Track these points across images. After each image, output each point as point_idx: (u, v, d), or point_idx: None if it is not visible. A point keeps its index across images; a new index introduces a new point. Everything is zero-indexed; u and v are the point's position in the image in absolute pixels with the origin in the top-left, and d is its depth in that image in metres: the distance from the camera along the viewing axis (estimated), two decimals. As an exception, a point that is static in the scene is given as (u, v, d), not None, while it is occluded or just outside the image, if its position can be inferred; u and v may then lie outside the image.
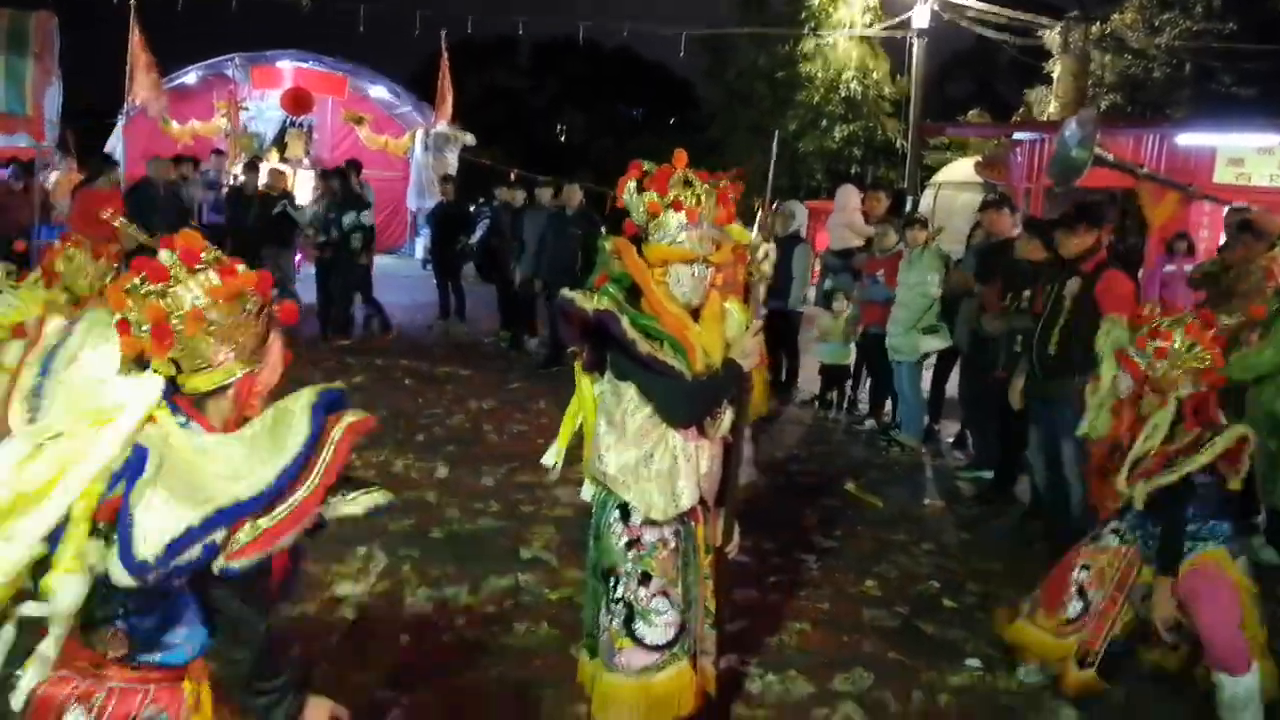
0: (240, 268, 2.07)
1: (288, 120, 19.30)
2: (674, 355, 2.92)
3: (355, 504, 2.04)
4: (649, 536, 2.99)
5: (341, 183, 11.14)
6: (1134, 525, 3.78)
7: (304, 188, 16.03)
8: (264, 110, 19.33)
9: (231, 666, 2.04)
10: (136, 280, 1.96)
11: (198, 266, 1.99)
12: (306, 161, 18.64)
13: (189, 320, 1.95)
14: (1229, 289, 6.12)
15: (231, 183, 12.23)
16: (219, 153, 15.62)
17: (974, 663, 4.18)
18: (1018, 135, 13.89)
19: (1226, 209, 6.49)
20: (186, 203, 11.62)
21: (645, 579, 2.96)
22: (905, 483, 7.05)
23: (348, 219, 10.80)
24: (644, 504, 2.96)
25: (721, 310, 3.10)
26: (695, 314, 3.01)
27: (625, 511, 3.01)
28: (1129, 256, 11.29)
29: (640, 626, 2.94)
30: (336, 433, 1.97)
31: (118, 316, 1.96)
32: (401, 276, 12.21)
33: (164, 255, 2.00)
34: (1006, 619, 4.06)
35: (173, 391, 1.99)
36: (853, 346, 8.80)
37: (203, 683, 2.10)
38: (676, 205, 2.96)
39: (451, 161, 19.38)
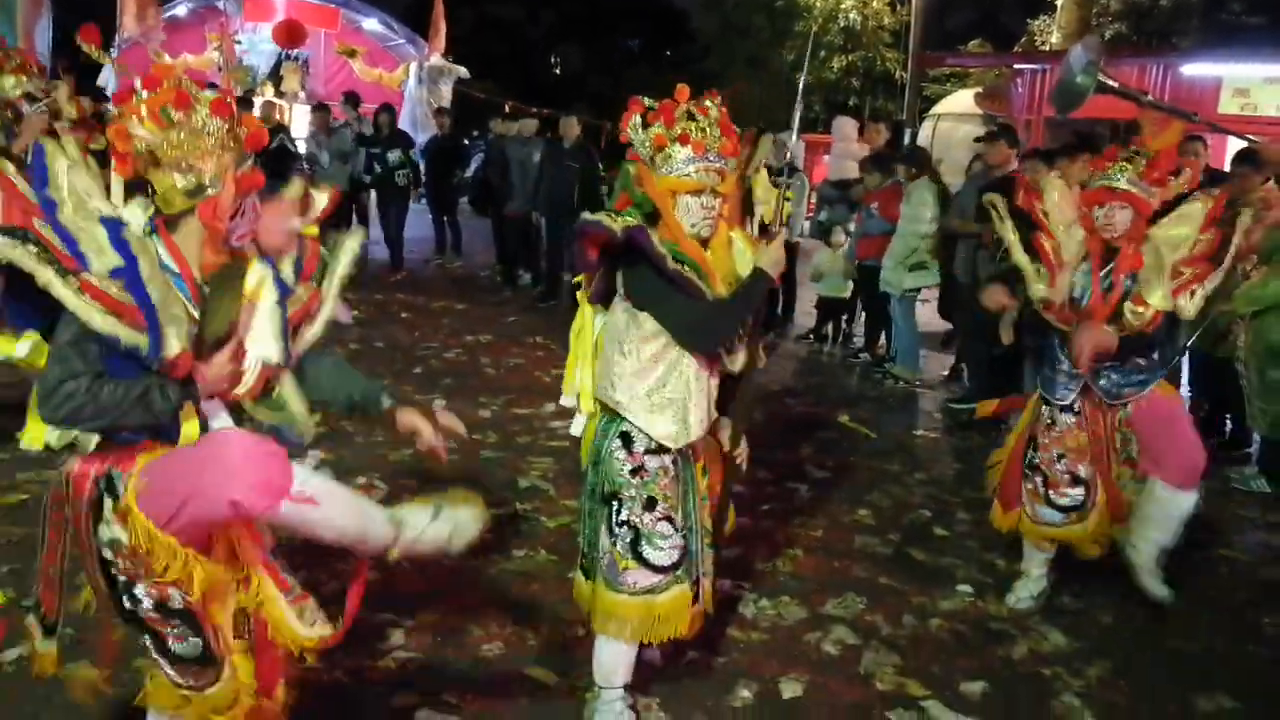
0: (210, 94, 2.31)
1: (282, 54, 19.05)
2: (698, 277, 2.97)
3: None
4: (652, 464, 3.03)
5: (388, 119, 11.34)
6: (1114, 375, 3.84)
7: (299, 121, 15.86)
8: (257, 43, 19.06)
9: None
10: (112, 110, 2.27)
11: (158, 91, 2.23)
12: (302, 95, 18.43)
13: (148, 123, 2.20)
14: (1226, 221, 6.09)
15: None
16: (213, 86, 15.41)
17: (965, 588, 4.25)
18: (1019, 66, 13.75)
19: (1232, 163, 6.44)
20: None
21: (650, 504, 3.01)
22: (899, 414, 7.10)
23: (393, 155, 10.98)
24: (656, 432, 3.01)
25: (729, 240, 3.13)
26: (704, 245, 3.05)
27: (628, 438, 3.05)
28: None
29: (646, 549, 3.00)
30: None
31: (114, 149, 2.25)
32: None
33: (136, 81, 2.26)
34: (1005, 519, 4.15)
35: (152, 217, 2.30)
36: (850, 280, 8.79)
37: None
38: (683, 138, 2.98)
39: (446, 94, 19.19)
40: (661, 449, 3.04)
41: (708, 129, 2.99)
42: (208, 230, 2.29)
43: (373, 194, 12.46)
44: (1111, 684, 3.62)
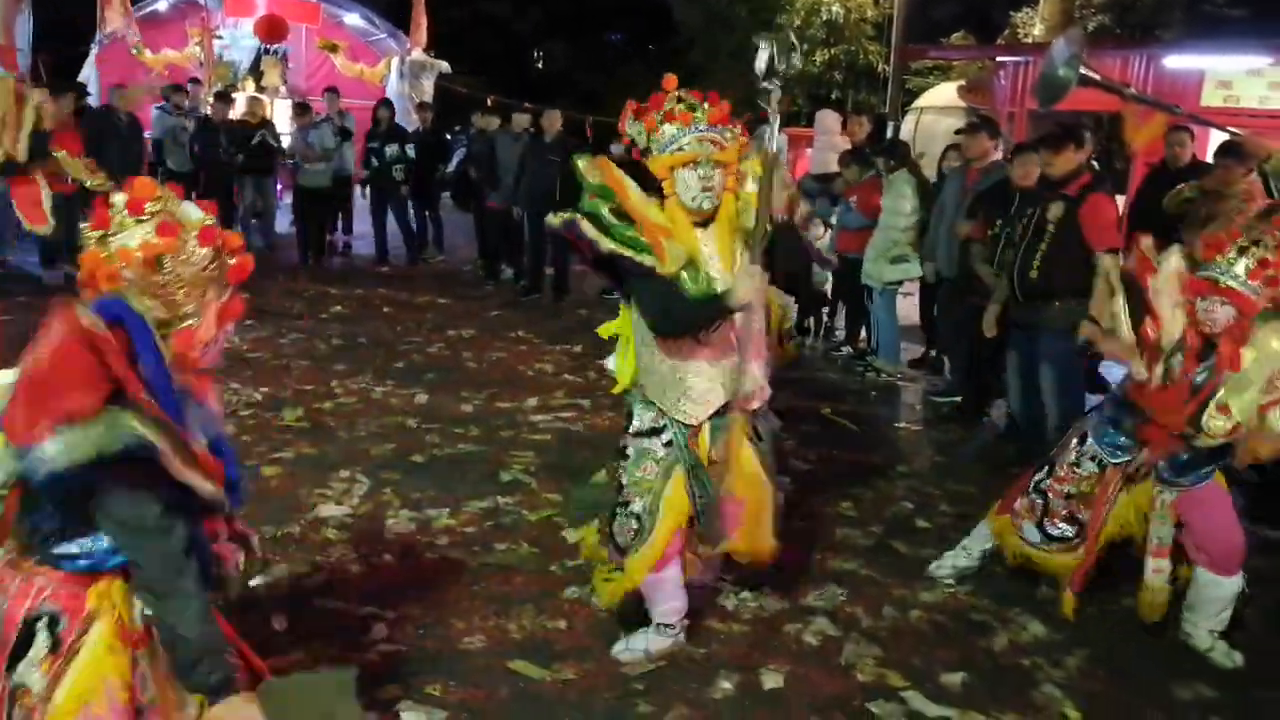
0: (197, 216, 2.13)
1: (262, 48, 18.95)
2: (640, 253, 3.12)
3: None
4: (633, 448, 3.39)
5: (387, 114, 11.40)
6: (1175, 473, 3.71)
7: (281, 116, 15.79)
8: (238, 38, 18.94)
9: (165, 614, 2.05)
10: (85, 227, 2.08)
11: (143, 217, 2.06)
12: (283, 90, 18.34)
13: (134, 266, 2.03)
14: (1207, 215, 6.11)
15: (205, 112, 12.03)
16: (195, 82, 15.35)
17: (946, 580, 4.26)
18: (1002, 59, 13.77)
19: (1214, 155, 6.46)
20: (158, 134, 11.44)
21: (619, 487, 3.42)
22: (881, 407, 7.13)
23: (390, 150, 11.02)
24: (680, 414, 3.31)
25: (735, 210, 3.23)
26: (709, 220, 3.21)
27: (629, 418, 3.44)
28: (1115, 182, 11.27)
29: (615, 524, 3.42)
30: None
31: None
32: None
33: (117, 199, 2.08)
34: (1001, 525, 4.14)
35: None
36: (829, 274, 8.80)
37: (114, 603, 2.09)
38: (669, 116, 3.13)
39: (427, 89, 19.13)
40: (653, 431, 3.35)
41: (694, 105, 3.12)
42: (178, 358, 2.10)
43: (359, 189, 12.50)
44: (1091, 673, 3.65)
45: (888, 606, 4.01)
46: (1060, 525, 3.94)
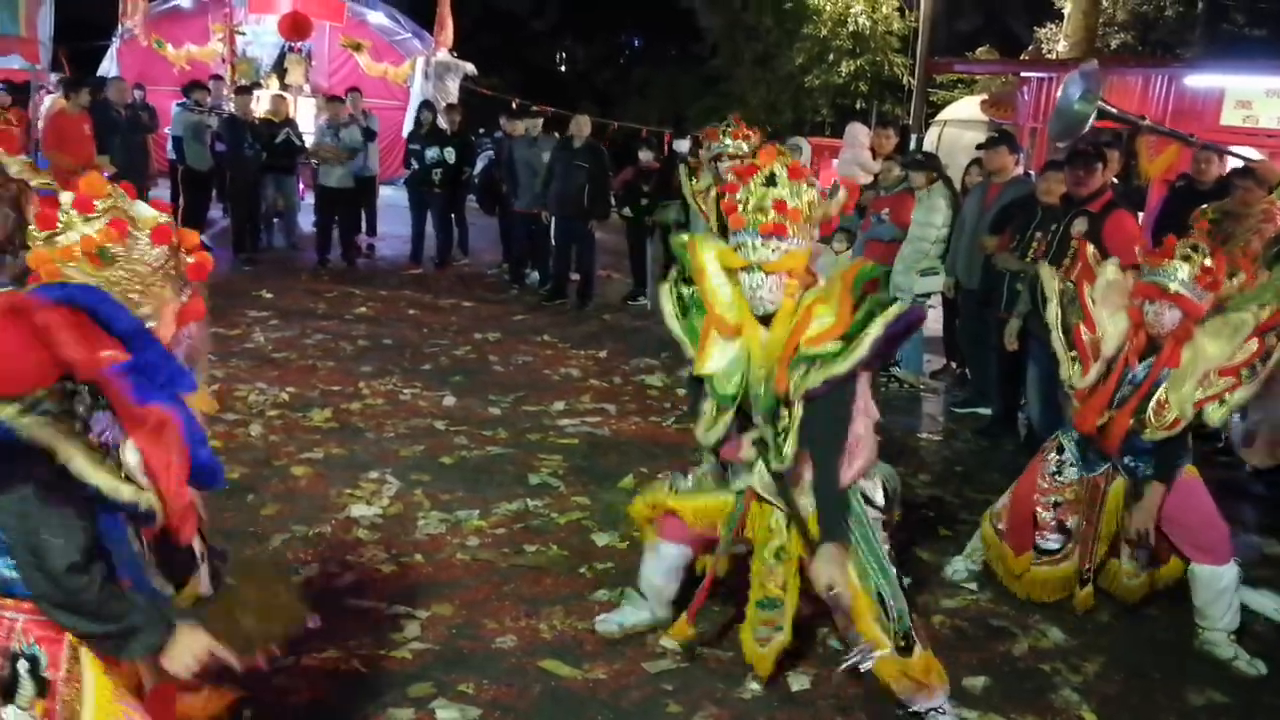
0: (149, 214, 2.06)
1: (286, 46, 19.05)
2: (694, 347, 3.23)
3: None
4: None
5: (430, 117, 11.47)
6: (1136, 457, 3.89)
7: (305, 115, 15.90)
8: (261, 35, 19.05)
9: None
10: (32, 229, 1.99)
11: (92, 215, 1.98)
12: (307, 88, 18.45)
13: (80, 261, 1.96)
14: (1226, 234, 6.17)
15: (230, 109, 12.10)
16: (217, 78, 15.47)
17: (967, 586, 4.34)
18: (1025, 73, 13.81)
19: (1229, 170, 6.52)
20: (149, 126, 11.45)
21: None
22: (903, 417, 7.18)
23: (431, 153, 11.07)
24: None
25: (794, 312, 3.10)
26: (770, 319, 3.14)
27: None
28: (1133, 199, 11.30)
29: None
30: None
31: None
32: (401, 207, 12.21)
33: (64, 197, 2.00)
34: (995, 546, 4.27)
35: None
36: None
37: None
38: (730, 208, 3.08)
39: (453, 91, 19.20)
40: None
41: (763, 204, 3.03)
42: None
43: (381, 190, 12.56)
44: (1108, 678, 3.73)
45: (911, 612, 4.07)
46: (1050, 537, 4.07)
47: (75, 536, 1.87)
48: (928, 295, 7.87)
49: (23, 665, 1.97)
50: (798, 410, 3.08)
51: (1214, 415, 3.67)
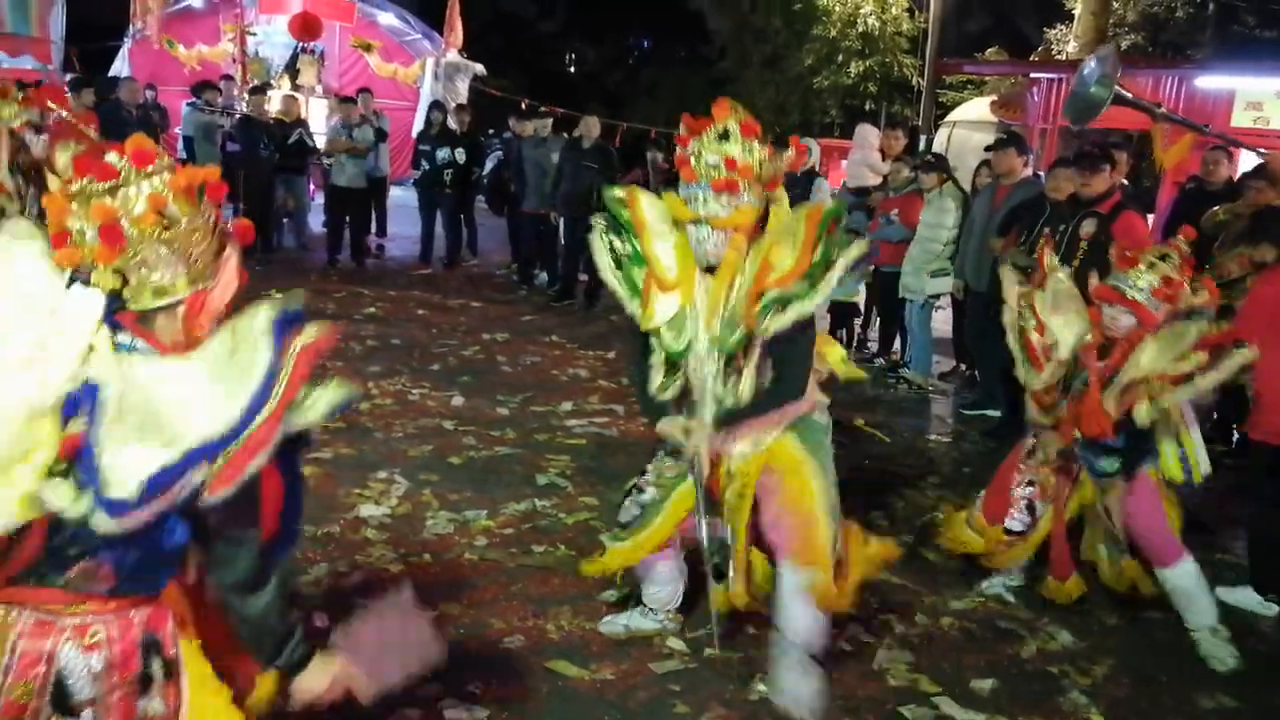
0: (199, 172, 1.94)
1: (298, 46, 19.10)
2: (634, 300, 3.24)
3: (316, 408, 1.86)
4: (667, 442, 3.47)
5: (440, 117, 11.49)
6: (1094, 454, 3.92)
7: (316, 115, 15.94)
8: (271, 35, 19.10)
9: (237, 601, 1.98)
10: (83, 182, 1.81)
11: (150, 169, 1.85)
12: (319, 89, 18.50)
13: (144, 219, 1.81)
14: (1237, 235, 6.15)
15: (244, 108, 12.12)
16: (228, 78, 15.52)
17: (977, 588, 4.33)
18: (1035, 74, 13.77)
19: (1240, 174, 6.50)
20: (159, 127, 11.48)
21: (643, 470, 3.59)
22: (912, 418, 7.18)
23: (442, 153, 11.05)
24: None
25: (739, 264, 3.13)
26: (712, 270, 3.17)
27: None
28: (1143, 200, 11.28)
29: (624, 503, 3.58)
30: (296, 347, 1.84)
31: (54, 229, 1.81)
32: (410, 208, 12.24)
33: (111, 157, 1.85)
34: (952, 523, 4.33)
35: (115, 309, 1.84)
36: (862, 285, 8.86)
37: (180, 601, 2.04)
38: (683, 161, 3.08)
39: (462, 91, 19.22)
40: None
41: (716, 160, 3.03)
42: (187, 330, 1.91)
43: (394, 191, 12.59)
44: (1117, 681, 3.73)
45: (919, 614, 4.08)
46: (1016, 517, 4.13)
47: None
48: (937, 296, 7.88)
49: (154, 660, 1.97)
50: (756, 349, 3.16)
51: (1140, 415, 3.69)
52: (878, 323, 9.05)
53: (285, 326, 1.85)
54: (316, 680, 2.09)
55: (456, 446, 5.65)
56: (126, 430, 1.74)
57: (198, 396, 1.79)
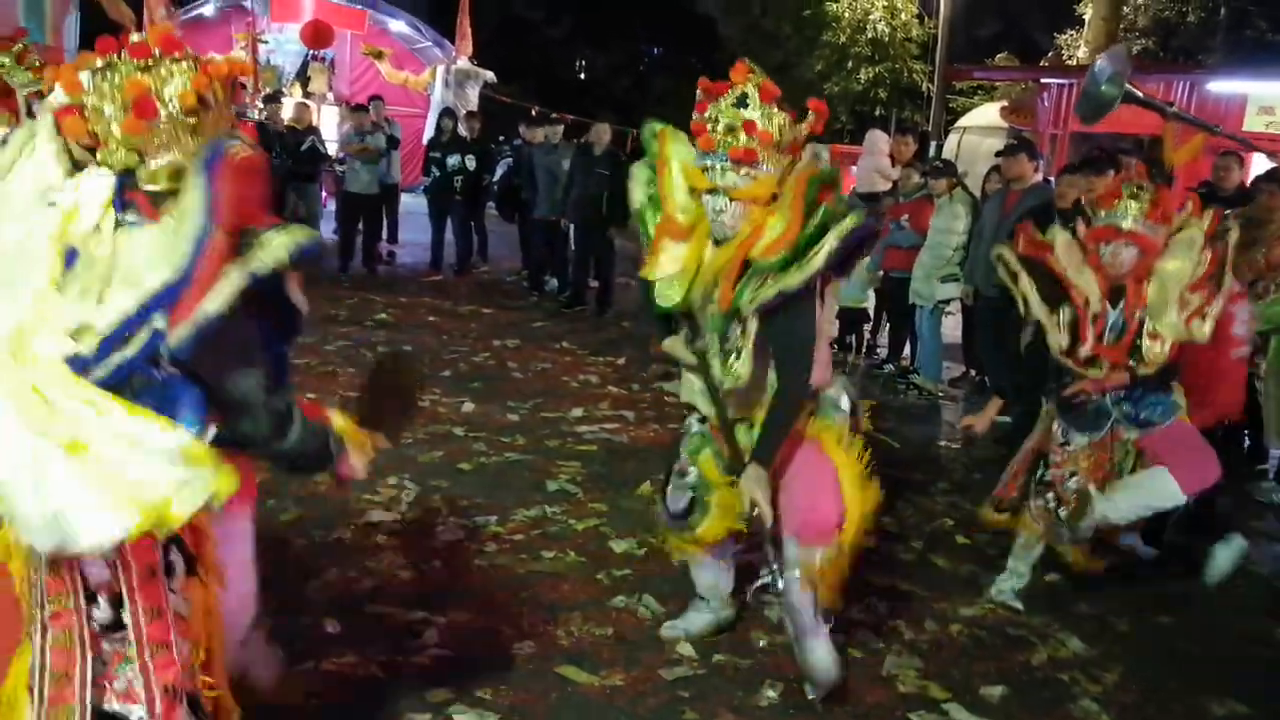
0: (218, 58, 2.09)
1: (309, 54, 19.19)
2: (646, 245, 3.16)
3: (273, 247, 1.87)
4: (689, 418, 3.46)
5: (451, 124, 11.54)
6: (1131, 400, 3.90)
7: (328, 123, 16.01)
8: (283, 43, 19.20)
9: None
10: (111, 58, 1.90)
11: (177, 55, 1.93)
12: (330, 96, 18.58)
13: (185, 98, 1.89)
14: (1247, 239, 6.13)
15: (256, 116, 12.18)
16: (240, 86, 15.57)
17: (987, 594, 4.32)
18: (1045, 80, 13.76)
19: (1257, 180, 6.48)
20: None
21: (677, 453, 3.50)
22: (922, 425, 7.17)
23: (452, 161, 11.08)
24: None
25: (744, 238, 2.97)
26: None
27: None
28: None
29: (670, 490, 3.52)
30: (222, 171, 1.86)
31: (66, 102, 1.90)
32: (421, 215, 12.28)
33: (136, 38, 1.95)
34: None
35: (125, 186, 1.92)
36: (871, 291, 8.86)
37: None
38: (698, 128, 2.94)
39: (473, 98, 19.29)
40: (689, 406, 3.39)
41: (734, 125, 2.89)
42: None
43: (405, 198, 12.63)
44: (1128, 688, 3.70)
45: (929, 620, 4.07)
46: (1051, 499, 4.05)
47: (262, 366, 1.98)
48: (947, 302, 7.88)
49: (174, 553, 2.04)
50: (752, 326, 3.01)
51: (1200, 331, 3.67)
52: (887, 328, 9.05)
53: (211, 163, 1.86)
54: (357, 458, 2.29)
55: (467, 452, 5.66)
56: (89, 290, 1.85)
57: (156, 248, 1.85)
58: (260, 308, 1.90)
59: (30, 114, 4.65)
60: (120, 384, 1.84)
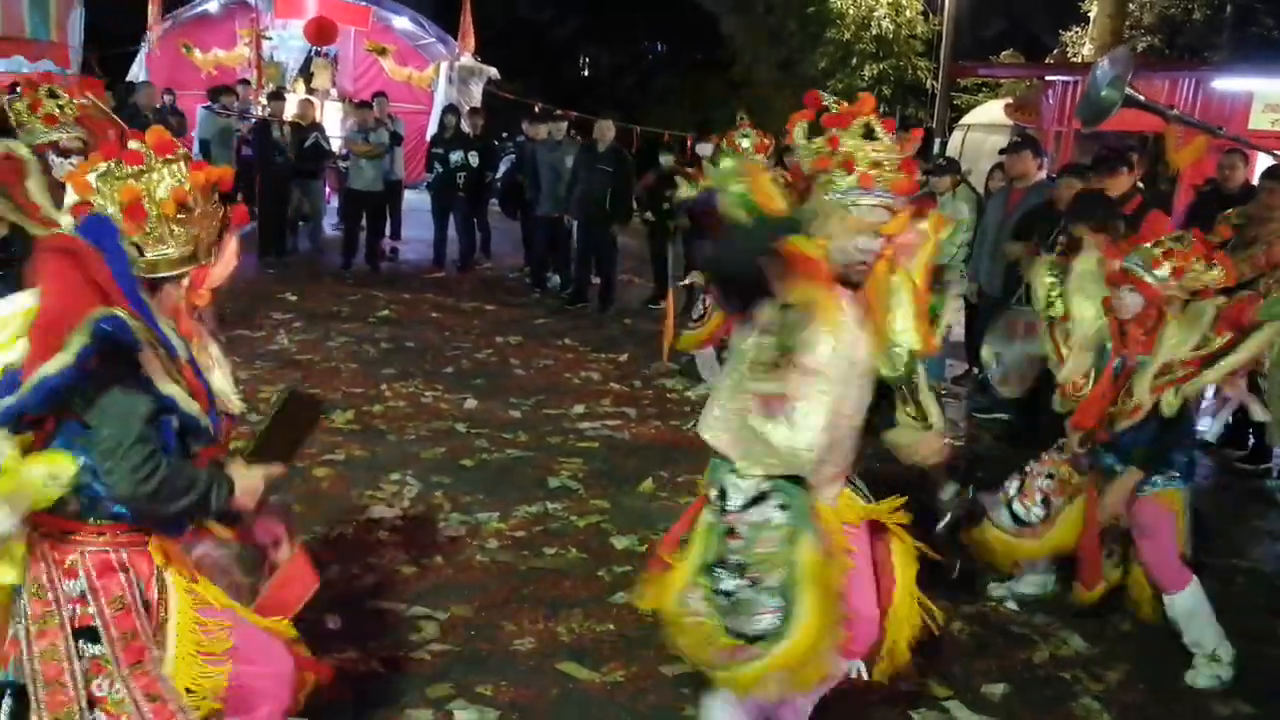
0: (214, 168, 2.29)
1: (312, 50, 19.18)
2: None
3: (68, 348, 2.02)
4: (742, 525, 2.72)
5: (454, 120, 11.56)
6: (1111, 454, 3.85)
7: (331, 119, 16.01)
8: (287, 39, 19.18)
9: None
10: (110, 164, 2.15)
11: (169, 157, 2.17)
12: (333, 93, 18.57)
13: (166, 204, 2.13)
14: (1251, 236, 6.12)
15: (260, 113, 12.17)
16: (244, 82, 15.59)
17: (989, 592, 4.32)
18: (1050, 77, 13.72)
19: (1259, 178, 6.46)
20: (176, 131, 11.58)
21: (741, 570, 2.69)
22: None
23: (455, 157, 11.10)
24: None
25: (886, 288, 2.70)
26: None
27: (723, 499, 2.75)
28: (1160, 203, 11.20)
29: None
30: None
31: (76, 200, 2.19)
32: (423, 211, 12.27)
33: (134, 144, 2.18)
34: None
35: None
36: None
37: (170, 544, 2.29)
38: (848, 164, 2.55)
39: (476, 95, 19.27)
40: (759, 498, 2.75)
41: (884, 161, 2.56)
42: (188, 298, 2.25)
43: (408, 194, 12.63)
44: (1130, 687, 3.71)
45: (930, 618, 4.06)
46: (1031, 507, 4.06)
47: (142, 423, 2.11)
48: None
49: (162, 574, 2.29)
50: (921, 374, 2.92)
51: (1165, 404, 3.60)
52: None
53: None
54: (246, 493, 2.33)
55: (469, 449, 5.66)
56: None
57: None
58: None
59: (46, 168, 4.42)
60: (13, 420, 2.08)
